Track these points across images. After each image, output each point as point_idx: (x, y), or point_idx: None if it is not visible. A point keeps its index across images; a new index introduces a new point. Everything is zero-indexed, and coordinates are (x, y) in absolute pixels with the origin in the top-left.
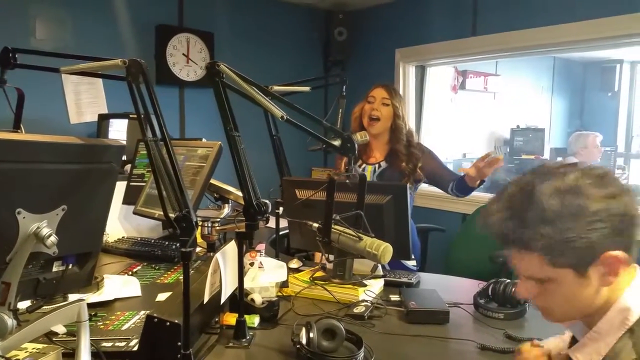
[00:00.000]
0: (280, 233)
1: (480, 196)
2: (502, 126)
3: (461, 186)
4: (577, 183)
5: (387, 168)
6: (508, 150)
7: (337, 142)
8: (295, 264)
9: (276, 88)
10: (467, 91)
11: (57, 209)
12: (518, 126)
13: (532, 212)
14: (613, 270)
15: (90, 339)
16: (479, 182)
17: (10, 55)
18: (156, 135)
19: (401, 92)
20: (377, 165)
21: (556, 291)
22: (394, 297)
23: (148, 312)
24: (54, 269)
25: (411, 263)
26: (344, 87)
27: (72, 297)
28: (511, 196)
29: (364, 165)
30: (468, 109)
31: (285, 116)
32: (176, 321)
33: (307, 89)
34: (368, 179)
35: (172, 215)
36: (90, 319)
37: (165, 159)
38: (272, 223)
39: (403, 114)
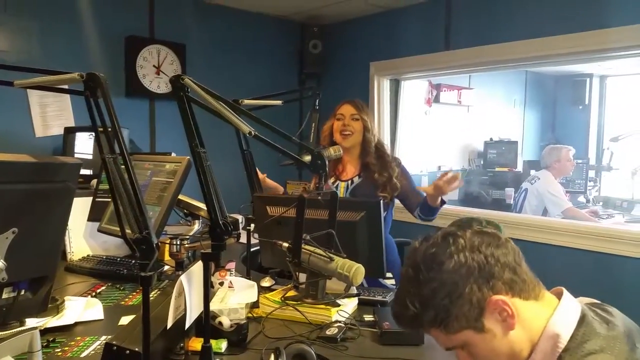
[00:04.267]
0: (252, 250)
1: (457, 210)
2: (476, 139)
3: (425, 208)
4: (424, 255)
5: (360, 183)
6: (482, 162)
7: (307, 158)
8: (267, 282)
9: (247, 102)
10: (441, 104)
11: (6, 232)
12: (491, 139)
13: (408, 295)
14: (508, 314)
15: None
16: (440, 201)
17: None
18: (120, 150)
19: (375, 105)
20: (349, 182)
21: (477, 352)
22: (368, 317)
23: (109, 337)
24: (4, 296)
25: (389, 282)
26: (317, 100)
27: (29, 322)
28: (397, 290)
29: (337, 183)
30: (442, 122)
31: (253, 132)
32: (136, 349)
33: (278, 102)
34: (341, 195)
35: (131, 236)
36: (47, 346)
37: (125, 177)
38: (244, 238)
39: (372, 126)
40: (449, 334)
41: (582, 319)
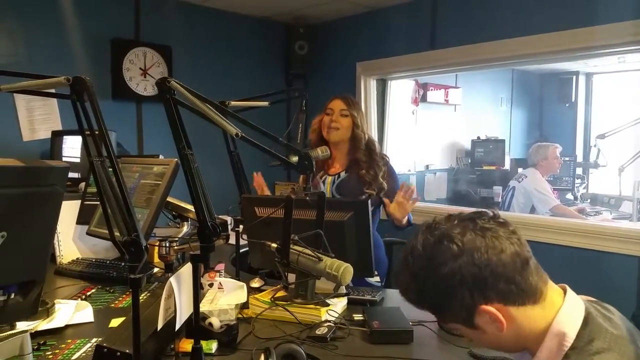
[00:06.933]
0: (242, 251)
1: (446, 208)
2: (463, 138)
3: (393, 225)
4: (422, 253)
5: (346, 178)
6: (469, 161)
7: (294, 159)
8: (256, 283)
9: (234, 103)
10: (429, 104)
11: None
12: (479, 137)
13: (408, 283)
14: (498, 320)
15: None
16: (405, 222)
17: None
18: (107, 153)
19: (363, 105)
20: (336, 176)
21: (473, 335)
22: (357, 317)
23: (100, 339)
24: None
25: (375, 280)
26: (304, 101)
27: (20, 325)
28: (400, 271)
29: (325, 177)
30: (430, 121)
31: (240, 133)
32: (127, 351)
33: (265, 103)
34: (327, 189)
35: (120, 239)
36: (38, 349)
37: (113, 180)
38: (233, 240)
39: (362, 123)
40: (445, 321)
41: (587, 318)
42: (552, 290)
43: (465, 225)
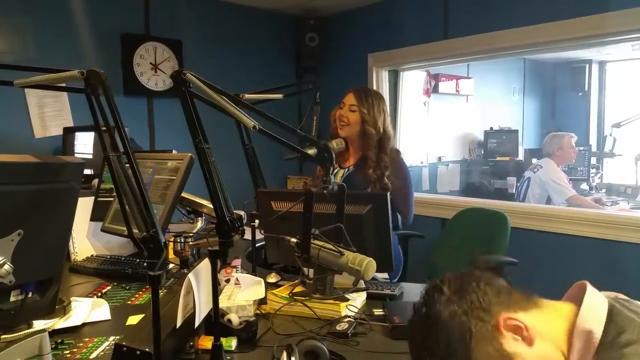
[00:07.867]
0: (257, 245)
1: (459, 200)
2: (475, 128)
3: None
4: (420, 318)
5: (353, 172)
6: (482, 152)
7: (312, 151)
8: (273, 278)
9: (248, 96)
10: (440, 94)
11: (11, 234)
12: (492, 128)
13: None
14: (520, 328)
15: None
16: None
17: None
18: (124, 148)
19: None
20: (347, 170)
21: None
22: (378, 312)
23: (117, 337)
24: (12, 299)
25: (381, 275)
26: (318, 93)
27: (37, 324)
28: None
29: (337, 170)
30: (442, 113)
31: (257, 126)
32: (147, 349)
33: (279, 96)
34: (337, 181)
35: (138, 235)
36: (56, 348)
37: (130, 175)
38: (248, 235)
39: (374, 119)
40: None
41: (611, 311)
42: (552, 302)
43: (444, 278)
